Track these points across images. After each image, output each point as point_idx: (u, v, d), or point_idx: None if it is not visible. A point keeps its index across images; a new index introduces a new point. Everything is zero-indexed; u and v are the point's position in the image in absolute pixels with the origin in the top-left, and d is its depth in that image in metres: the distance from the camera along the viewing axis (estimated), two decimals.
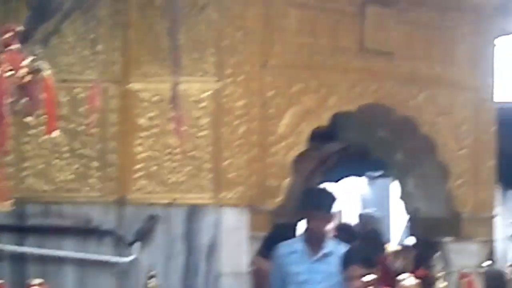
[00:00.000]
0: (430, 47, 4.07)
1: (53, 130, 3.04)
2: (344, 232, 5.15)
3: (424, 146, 4.07)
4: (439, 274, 3.47)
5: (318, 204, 4.08)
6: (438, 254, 4.41)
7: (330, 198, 4.17)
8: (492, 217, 4.36)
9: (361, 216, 6.63)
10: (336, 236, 4.82)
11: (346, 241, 4.35)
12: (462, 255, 4.17)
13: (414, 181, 4.26)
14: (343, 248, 4.01)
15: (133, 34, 3.51)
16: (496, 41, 4.46)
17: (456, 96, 4.12)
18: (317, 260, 4.08)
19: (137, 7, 3.52)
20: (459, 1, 4.03)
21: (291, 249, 4.11)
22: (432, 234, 4.30)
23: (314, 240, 4.11)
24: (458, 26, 4.13)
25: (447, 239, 4.20)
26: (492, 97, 4.34)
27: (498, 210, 4.73)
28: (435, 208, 4.27)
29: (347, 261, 3.45)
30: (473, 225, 4.17)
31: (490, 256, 4.40)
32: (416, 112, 3.94)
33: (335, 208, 4.22)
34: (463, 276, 3.81)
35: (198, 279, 3.49)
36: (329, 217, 4.15)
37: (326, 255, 4.07)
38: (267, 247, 3.90)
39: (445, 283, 3.42)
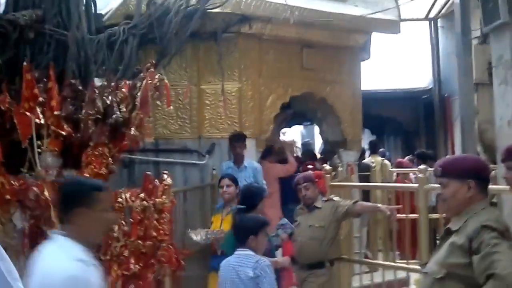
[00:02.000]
0: None
1: (169, 105, 6.32)
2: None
3: None
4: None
5: (232, 137, 6.80)
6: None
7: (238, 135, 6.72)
8: None
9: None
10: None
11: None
12: None
13: None
14: (254, 163, 6.81)
15: None
16: None
17: None
18: (239, 170, 6.58)
19: None
20: None
21: (229, 165, 6.75)
22: None
23: (236, 159, 6.74)
24: None
25: None
26: None
27: None
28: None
29: None
30: None
31: None
32: None
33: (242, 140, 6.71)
34: None
35: None
36: (238, 145, 6.63)
37: (244, 167, 6.68)
38: None
39: None
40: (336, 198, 5.31)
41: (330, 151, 8.72)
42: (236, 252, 3.91)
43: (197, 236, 5.35)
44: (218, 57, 6.95)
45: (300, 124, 14.57)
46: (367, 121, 9.53)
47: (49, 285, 2.39)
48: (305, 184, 5.10)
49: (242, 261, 3.79)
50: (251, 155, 7.28)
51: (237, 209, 5.19)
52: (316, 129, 15.32)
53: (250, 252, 3.81)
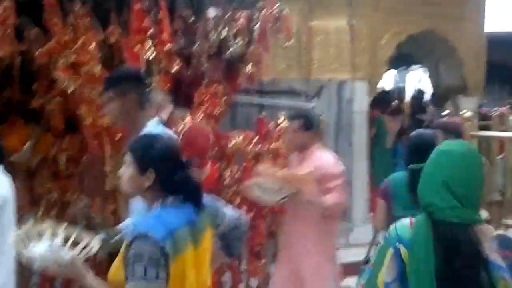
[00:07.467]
0: None
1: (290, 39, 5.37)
2: None
3: None
4: None
5: None
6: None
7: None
8: None
9: None
10: None
11: None
12: None
13: None
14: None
15: None
16: None
17: None
18: None
19: None
20: None
21: None
22: None
23: None
24: None
25: None
26: None
27: None
28: None
29: None
30: None
31: None
32: None
33: None
34: None
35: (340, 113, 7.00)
36: None
37: None
38: None
39: None
40: None
41: (443, 97, 7.99)
42: None
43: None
44: None
45: (395, 69, 13.22)
46: None
47: None
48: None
49: None
50: (361, 101, 6.81)
51: (410, 170, 3.34)
52: (410, 74, 14.30)
53: None
